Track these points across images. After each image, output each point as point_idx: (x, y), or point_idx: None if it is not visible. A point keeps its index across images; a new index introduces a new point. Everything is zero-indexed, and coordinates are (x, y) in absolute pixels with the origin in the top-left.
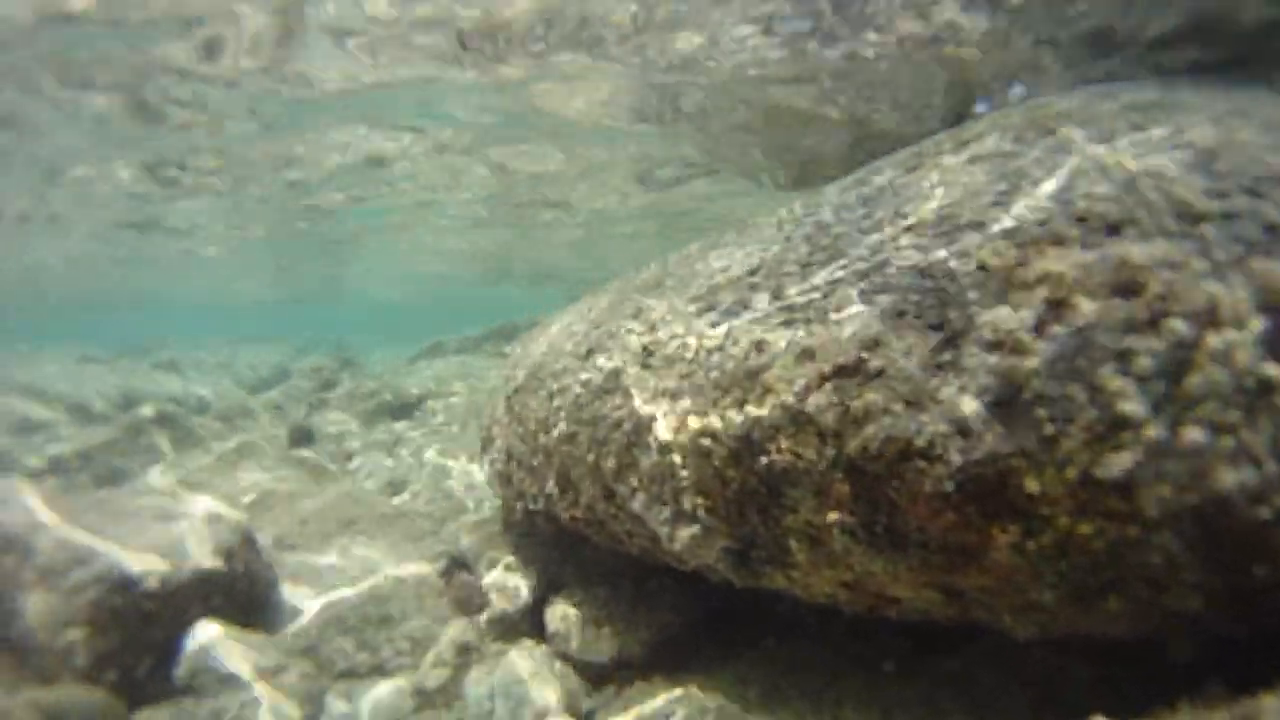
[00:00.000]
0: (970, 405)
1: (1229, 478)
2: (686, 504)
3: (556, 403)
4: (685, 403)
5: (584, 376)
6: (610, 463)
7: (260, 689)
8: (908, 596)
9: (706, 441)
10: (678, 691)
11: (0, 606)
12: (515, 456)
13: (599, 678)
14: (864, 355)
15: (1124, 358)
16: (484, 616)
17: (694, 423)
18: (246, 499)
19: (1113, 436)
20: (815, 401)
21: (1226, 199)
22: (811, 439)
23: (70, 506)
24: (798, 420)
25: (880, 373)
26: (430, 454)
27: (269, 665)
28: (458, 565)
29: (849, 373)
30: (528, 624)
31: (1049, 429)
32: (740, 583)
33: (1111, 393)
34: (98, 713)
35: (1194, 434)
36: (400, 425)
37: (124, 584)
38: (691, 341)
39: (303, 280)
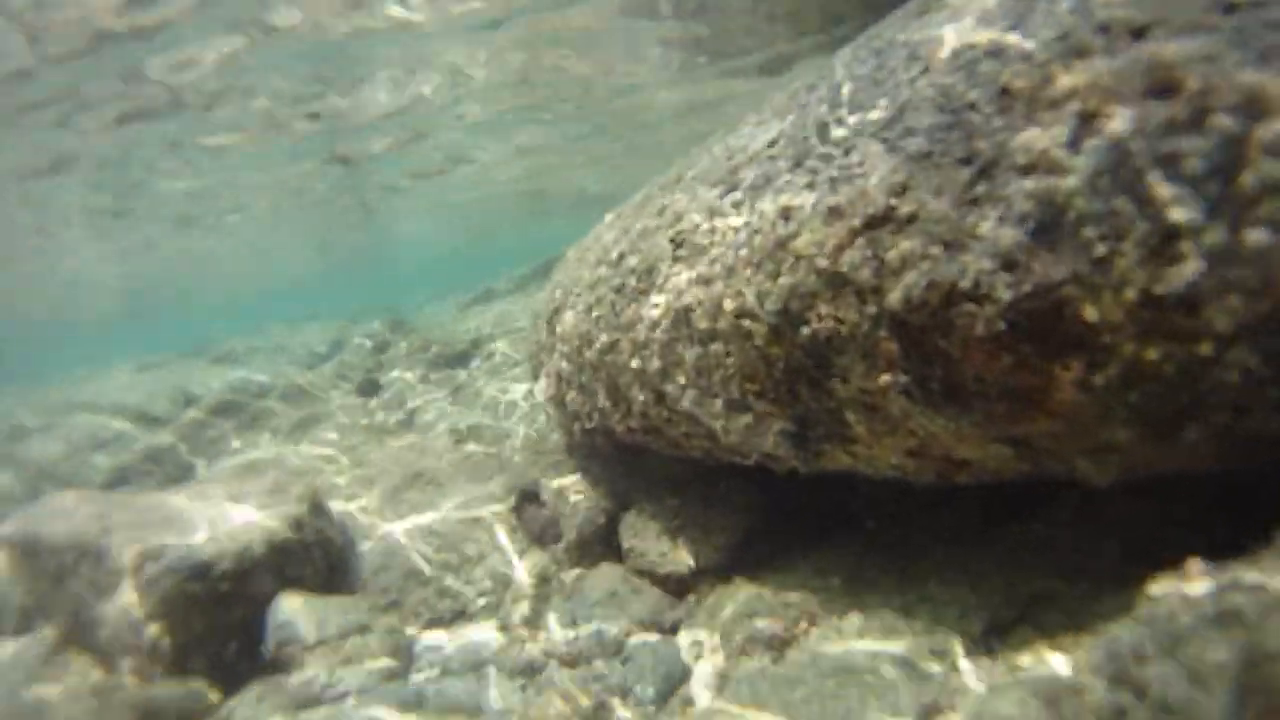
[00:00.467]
0: (1012, 235)
1: None
2: (736, 391)
3: (596, 313)
4: (718, 287)
5: (617, 282)
6: (655, 364)
7: (348, 651)
8: (976, 456)
9: (746, 322)
10: (758, 590)
11: (85, 614)
12: (564, 377)
13: (679, 588)
14: (893, 202)
15: (1170, 162)
16: (560, 545)
17: (729, 304)
18: (313, 468)
19: (1169, 248)
20: (849, 259)
21: None
22: (850, 299)
23: (135, 505)
24: (833, 282)
25: (912, 218)
26: (491, 392)
27: (353, 625)
28: (528, 498)
29: (880, 223)
30: (603, 545)
31: (1100, 249)
32: (804, 467)
33: (1162, 201)
34: (191, 702)
35: (1257, 235)
36: (461, 374)
37: (197, 571)
38: (718, 225)
39: (346, 248)
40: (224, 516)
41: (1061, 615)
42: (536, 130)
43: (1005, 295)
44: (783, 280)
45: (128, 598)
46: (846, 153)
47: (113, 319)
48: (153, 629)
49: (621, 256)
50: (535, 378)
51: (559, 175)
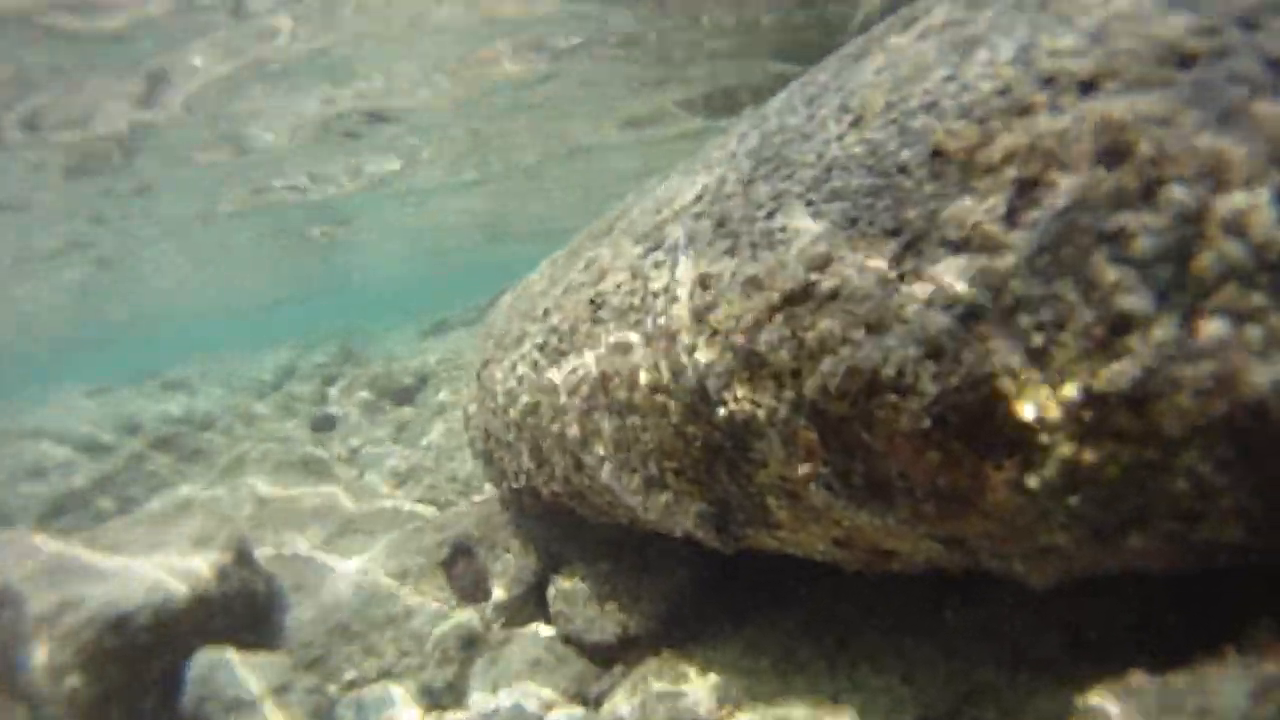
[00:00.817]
0: (940, 320)
1: (1262, 376)
2: (654, 468)
3: (520, 371)
4: (636, 356)
5: (540, 340)
6: (574, 431)
7: (267, 710)
8: (905, 550)
9: (660, 398)
10: (686, 667)
11: (6, 659)
12: (492, 433)
13: (607, 657)
14: (813, 277)
15: (1117, 240)
16: (489, 604)
17: (645, 378)
18: (245, 510)
19: (1114, 341)
20: (766, 338)
21: (1216, 35)
22: (768, 383)
23: (59, 551)
24: (750, 362)
25: (834, 294)
26: (433, 436)
27: (274, 685)
28: (460, 553)
29: (799, 299)
30: (534, 605)
31: (1037, 339)
32: (727, 549)
33: (1107, 286)
34: None
35: (1214, 327)
36: (407, 410)
37: (117, 623)
38: (638, 287)
39: (303, 274)
40: (147, 565)
41: (997, 713)
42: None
43: (930, 388)
44: (699, 356)
45: (47, 648)
46: (770, 215)
47: (68, 346)
48: (71, 680)
49: (546, 313)
50: (466, 429)
51: (517, 209)
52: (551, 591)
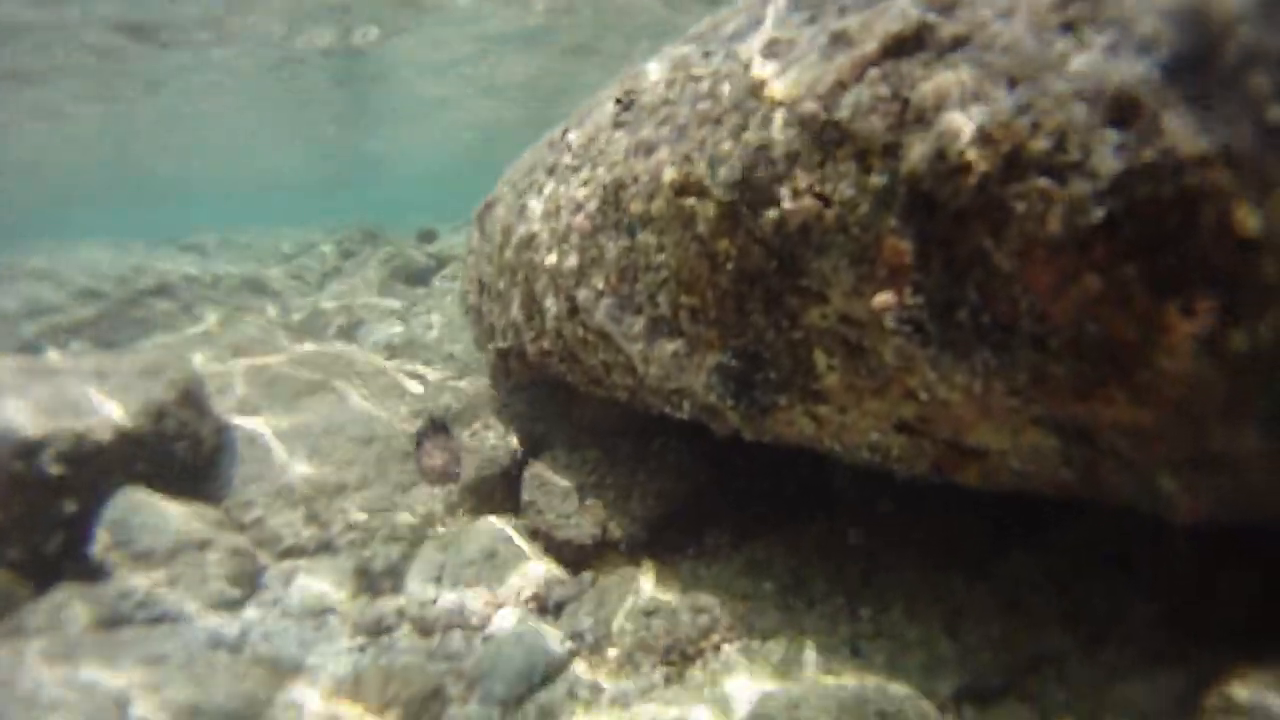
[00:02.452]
0: (1130, 71)
1: None
2: (665, 305)
3: (523, 200)
4: (662, 153)
5: (550, 161)
6: (572, 260)
7: (179, 567)
8: (1000, 446)
9: (689, 201)
10: (670, 581)
11: None
12: (484, 283)
13: (577, 559)
14: (931, 18)
15: None
16: (457, 485)
17: (670, 175)
18: (218, 360)
19: None
20: (852, 101)
21: None
22: (847, 164)
23: None
24: (823, 137)
25: (961, 40)
26: (436, 317)
27: (193, 539)
28: (436, 428)
29: (909, 46)
30: (505, 493)
31: (1275, 113)
32: (747, 428)
33: None
34: None
35: None
36: (418, 290)
37: (26, 449)
38: (679, 78)
39: (339, 153)
40: (80, 393)
41: (1068, 693)
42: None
43: (1109, 165)
44: (748, 137)
45: None
46: None
47: (102, 204)
48: None
49: (565, 132)
50: (463, 295)
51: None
52: (526, 476)
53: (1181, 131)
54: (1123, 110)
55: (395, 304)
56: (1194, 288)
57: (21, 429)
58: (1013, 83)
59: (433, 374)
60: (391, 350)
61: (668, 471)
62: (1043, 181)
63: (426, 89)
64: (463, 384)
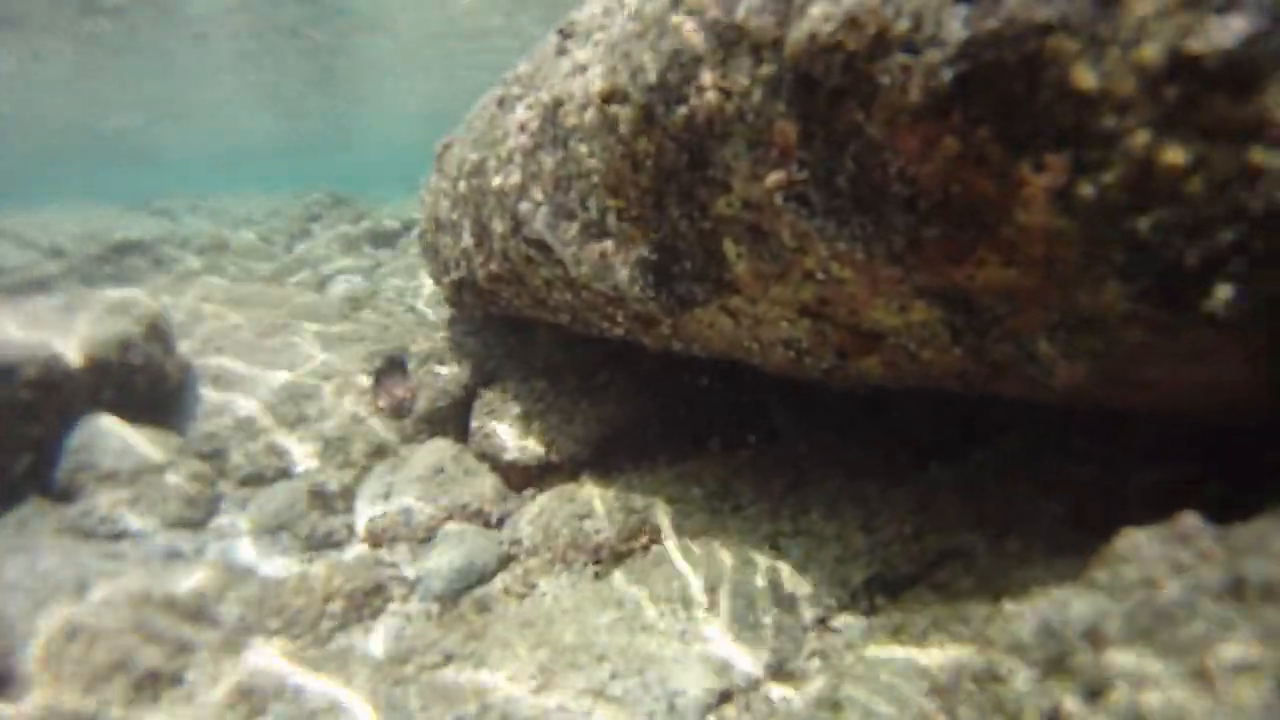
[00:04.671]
0: None
1: None
2: (594, 210)
3: (475, 133)
4: (595, 70)
5: (499, 94)
6: (514, 178)
7: (140, 488)
8: (892, 323)
9: (614, 107)
10: (604, 490)
11: None
12: (439, 219)
13: (521, 480)
14: None
15: None
16: (410, 417)
17: (598, 85)
18: (185, 305)
19: None
20: (748, 3)
21: None
22: (743, 59)
23: None
24: (724, 37)
25: None
26: (402, 274)
27: (155, 462)
28: (393, 365)
29: None
30: (456, 424)
31: None
32: (671, 330)
33: None
34: None
35: None
36: (384, 253)
37: None
38: (613, 6)
39: (309, 118)
40: (50, 323)
41: (975, 581)
42: None
43: (958, 33)
44: (663, 45)
45: None
46: None
47: (71, 166)
48: None
49: (513, 69)
50: (420, 234)
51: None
52: (476, 404)
53: (1021, 3)
54: None
55: (361, 263)
56: (1043, 145)
57: None
58: None
59: (393, 323)
60: (355, 303)
61: (610, 401)
62: (902, 57)
63: (398, 50)
64: (421, 331)
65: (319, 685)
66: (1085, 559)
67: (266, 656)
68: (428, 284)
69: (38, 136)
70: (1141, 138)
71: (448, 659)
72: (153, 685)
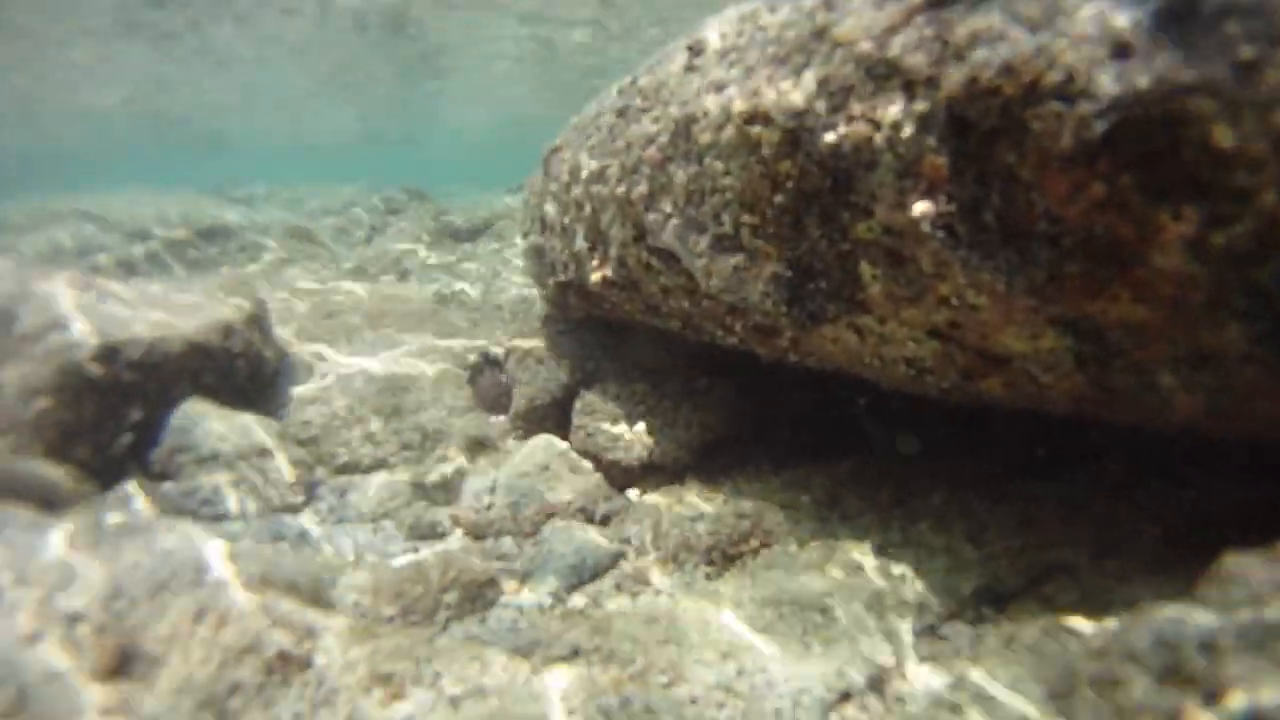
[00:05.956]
0: (1127, 19)
1: None
2: (728, 224)
3: (592, 141)
4: (731, 90)
5: (620, 104)
6: (641, 188)
7: (240, 472)
8: (1021, 349)
9: (756, 129)
10: (712, 494)
11: None
12: (548, 222)
13: (625, 480)
14: None
15: None
16: (509, 414)
17: (740, 106)
18: (280, 294)
19: None
20: (902, 41)
21: None
22: (895, 94)
23: (67, 280)
24: (876, 71)
25: None
26: (490, 268)
27: (255, 447)
28: (489, 362)
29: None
30: (554, 422)
31: (1247, 51)
32: (794, 346)
33: None
34: (53, 489)
35: None
36: (465, 247)
37: (102, 352)
38: (745, 28)
39: (388, 114)
40: (154, 307)
41: (1079, 595)
42: None
43: (1108, 89)
44: (810, 73)
45: (24, 367)
46: None
47: (147, 155)
48: (40, 403)
49: (634, 80)
50: (522, 233)
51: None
52: (578, 404)
53: (1169, 65)
54: (1121, 49)
55: (443, 258)
56: (1181, 195)
57: (97, 334)
58: (1034, 28)
59: (481, 318)
60: (440, 299)
61: (712, 406)
62: (1056, 105)
63: (478, 53)
64: (511, 329)
65: (456, 671)
66: (1183, 578)
67: (396, 641)
68: (513, 281)
69: (110, 123)
70: (1270, 196)
71: (575, 652)
72: (283, 667)
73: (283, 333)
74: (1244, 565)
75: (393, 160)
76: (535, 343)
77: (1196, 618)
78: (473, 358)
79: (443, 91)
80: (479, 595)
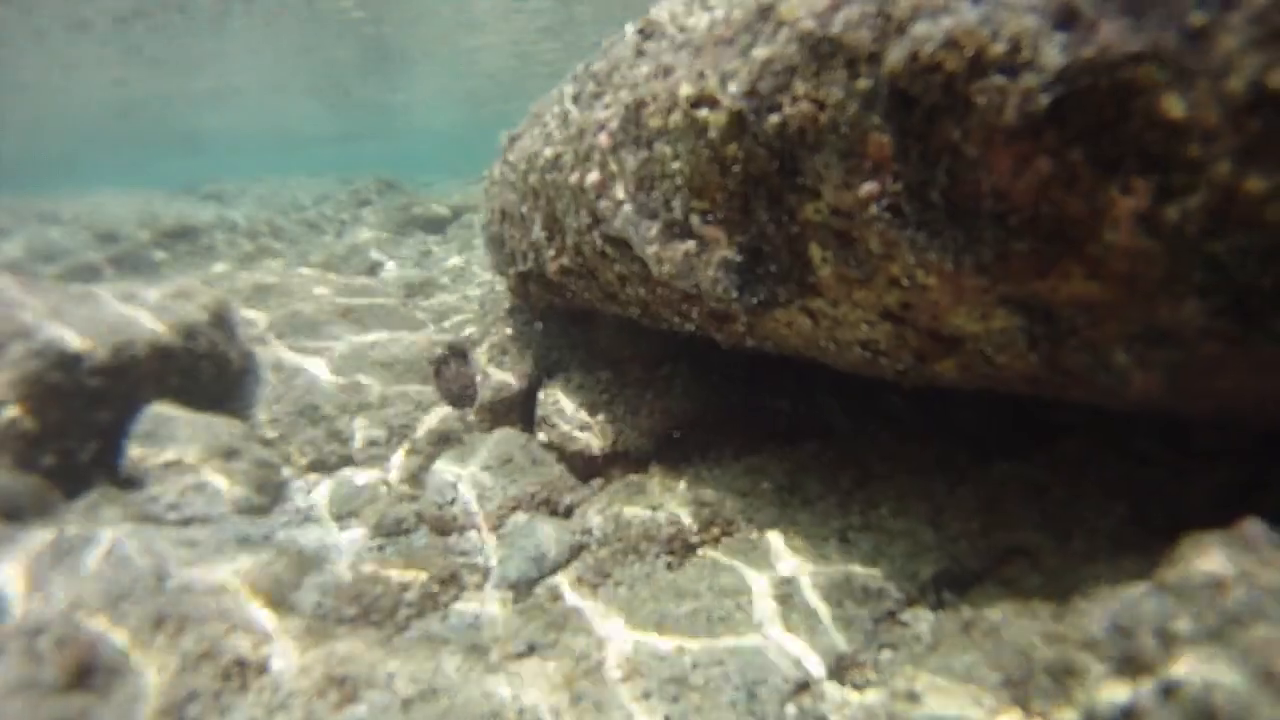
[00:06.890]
0: None
1: None
2: (679, 210)
3: (548, 128)
4: (678, 74)
5: (573, 91)
6: (594, 175)
7: (207, 474)
8: (972, 330)
9: (702, 112)
10: (674, 483)
11: None
12: (506, 211)
13: (588, 470)
14: None
15: None
16: (474, 406)
17: (686, 90)
18: (244, 291)
19: None
20: (844, 17)
21: None
22: (838, 73)
23: (29, 288)
24: (818, 50)
25: None
26: (455, 261)
27: (221, 448)
28: (454, 354)
29: None
30: (519, 414)
31: (1198, 17)
32: (750, 330)
33: None
34: (21, 498)
35: None
36: (434, 238)
37: (67, 359)
38: (696, 9)
39: (356, 106)
40: (116, 311)
41: (1042, 578)
42: None
43: (1055, 60)
44: (755, 53)
45: None
46: None
47: (115, 153)
48: (7, 412)
49: (588, 66)
50: (483, 222)
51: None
52: (541, 395)
53: (1115, 33)
54: (1066, 17)
55: (413, 249)
56: (1131, 168)
57: (61, 340)
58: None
59: (449, 310)
60: (409, 289)
61: (674, 393)
62: (999, 79)
63: (448, 35)
64: (478, 320)
65: (410, 671)
66: (1149, 559)
67: (351, 644)
68: (482, 273)
69: (81, 121)
70: (1224, 167)
71: (531, 649)
72: (240, 673)
73: (248, 332)
74: (1203, 547)
75: (366, 152)
76: (501, 334)
77: (1152, 603)
78: (438, 351)
79: (413, 75)
80: (441, 592)
